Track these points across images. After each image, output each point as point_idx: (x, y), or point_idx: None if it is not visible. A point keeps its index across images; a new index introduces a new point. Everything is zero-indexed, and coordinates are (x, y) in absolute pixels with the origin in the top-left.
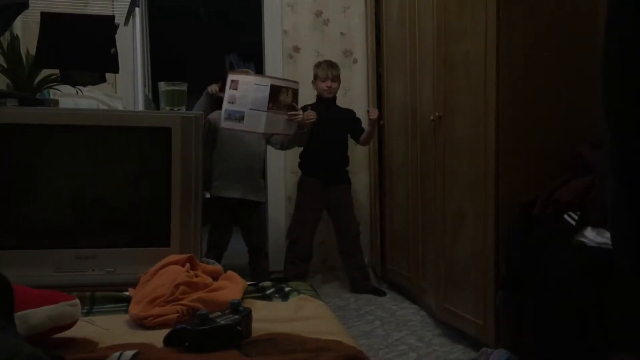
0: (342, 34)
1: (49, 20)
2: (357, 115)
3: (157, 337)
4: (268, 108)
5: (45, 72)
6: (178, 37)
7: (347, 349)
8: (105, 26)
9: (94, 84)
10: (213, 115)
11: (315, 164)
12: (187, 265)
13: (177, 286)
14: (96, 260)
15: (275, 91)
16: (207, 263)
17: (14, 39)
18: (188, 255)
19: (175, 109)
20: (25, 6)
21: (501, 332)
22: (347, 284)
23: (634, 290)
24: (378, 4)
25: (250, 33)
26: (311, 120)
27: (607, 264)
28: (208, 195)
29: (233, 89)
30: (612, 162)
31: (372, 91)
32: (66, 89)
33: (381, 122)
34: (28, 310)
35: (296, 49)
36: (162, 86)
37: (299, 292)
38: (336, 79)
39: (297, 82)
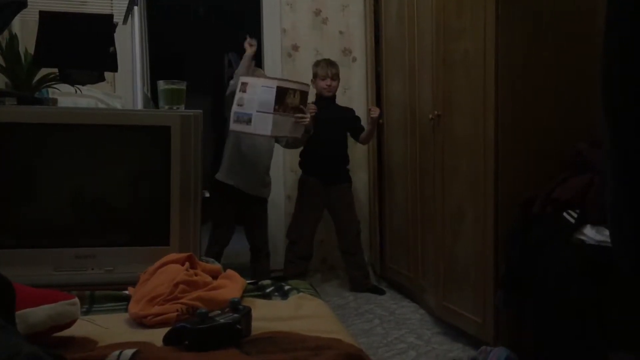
0: (341, 32)
1: (47, 19)
2: (357, 114)
3: (156, 336)
4: (274, 110)
5: (44, 71)
6: (177, 35)
7: (346, 347)
8: (104, 25)
9: (92, 82)
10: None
11: (315, 162)
12: (187, 264)
13: (176, 285)
14: (96, 259)
15: (281, 93)
16: (207, 262)
17: (13, 37)
18: (187, 254)
19: (175, 108)
20: (24, 5)
21: (500, 330)
22: (346, 282)
23: (634, 289)
24: (377, 2)
25: (249, 32)
26: (311, 113)
27: (606, 262)
28: (207, 195)
29: (242, 92)
30: (612, 162)
31: (371, 90)
32: (65, 87)
33: (380, 120)
34: (27, 310)
35: (295, 48)
36: (161, 85)
37: (299, 291)
38: (336, 77)
39: (307, 85)
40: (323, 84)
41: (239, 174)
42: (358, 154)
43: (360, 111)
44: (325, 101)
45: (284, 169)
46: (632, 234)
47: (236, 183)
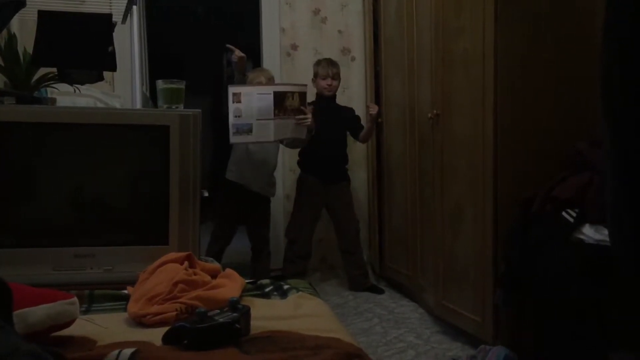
0: (340, 31)
1: (46, 18)
2: (357, 113)
3: (155, 335)
4: (274, 115)
5: (42, 71)
6: (176, 35)
7: (346, 347)
8: (102, 24)
9: (91, 82)
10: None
11: (314, 162)
12: (186, 263)
13: (175, 284)
14: (95, 259)
15: (279, 97)
16: (206, 261)
17: (12, 37)
18: (186, 253)
19: (174, 107)
20: (22, 4)
21: (500, 329)
22: (345, 281)
23: (633, 288)
24: (376, 1)
25: (248, 31)
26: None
27: (605, 262)
28: (206, 194)
29: (237, 102)
30: (612, 162)
31: (370, 89)
32: (64, 87)
33: (379, 119)
34: (26, 309)
35: (294, 47)
36: (160, 84)
37: (298, 290)
38: (336, 76)
39: (304, 85)
40: (324, 83)
41: (247, 173)
42: (357, 153)
43: (359, 111)
44: (326, 101)
45: (282, 169)
46: (632, 233)
47: (245, 182)
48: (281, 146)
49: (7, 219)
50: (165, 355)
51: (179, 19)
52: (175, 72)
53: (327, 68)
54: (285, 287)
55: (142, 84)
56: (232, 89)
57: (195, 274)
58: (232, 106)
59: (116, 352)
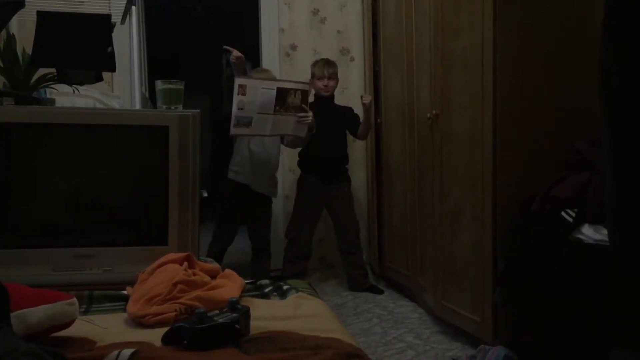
0: (339, 32)
1: (45, 19)
2: (355, 112)
3: (155, 336)
4: (275, 111)
5: (41, 71)
6: (175, 35)
7: (345, 347)
8: (101, 25)
9: (90, 82)
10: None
11: (314, 162)
12: (185, 263)
13: (175, 284)
14: (94, 259)
15: (282, 93)
16: (205, 261)
17: (11, 37)
18: (186, 253)
19: (173, 108)
20: (21, 5)
21: (499, 329)
22: (345, 281)
23: (633, 287)
24: (375, 1)
25: (247, 31)
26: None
27: (604, 261)
28: (206, 194)
29: (241, 94)
30: (611, 162)
31: (369, 89)
32: (63, 87)
33: (378, 120)
34: (26, 310)
35: (293, 47)
36: (159, 84)
37: (297, 290)
38: (333, 76)
39: (307, 84)
40: (320, 83)
41: (250, 174)
42: (356, 153)
43: (358, 111)
44: (324, 101)
45: (282, 169)
46: (631, 233)
47: (249, 182)
48: (281, 146)
49: (6, 220)
50: (165, 356)
51: (178, 19)
52: (174, 73)
53: (323, 68)
54: (285, 287)
55: (141, 85)
56: (238, 81)
57: (194, 274)
58: (236, 98)
59: (116, 352)
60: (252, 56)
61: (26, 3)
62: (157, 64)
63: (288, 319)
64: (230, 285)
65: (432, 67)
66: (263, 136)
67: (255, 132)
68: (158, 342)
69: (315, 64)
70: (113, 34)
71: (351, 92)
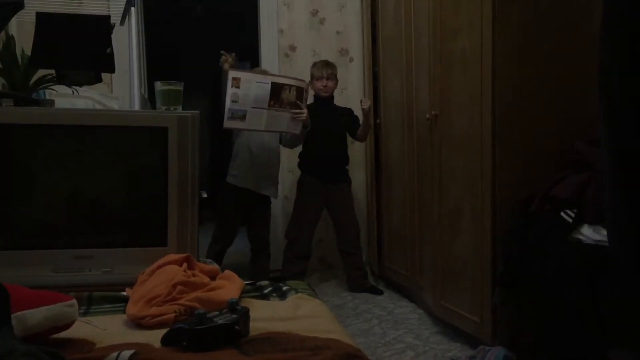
0: (338, 32)
1: (44, 20)
2: (355, 113)
3: (154, 337)
4: (269, 106)
5: (41, 72)
6: (174, 36)
7: (345, 347)
8: (101, 26)
9: (90, 83)
10: None
11: (314, 162)
12: (185, 264)
13: (174, 286)
14: (94, 261)
15: (276, 89)
16: (205, 262)
17: (10, 39)
18: (185, 254)
19: (172, 109)
20: (20, 6)
21: (498, 329)
22: (344, 282)
23: (632, 287)
24: (374, 2)
25: (247, 32)
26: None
27: (604, 262)
28: (205, 195)
29: (235, 87)
30: (610, 162)
31: (368, 90)
32: (62, 89)
33: (378, 120)
34: (26, 311)
35: (292, 48)
36: (159, 86)
37: (297, 291)
38: (332, 77)
39: (303, 81)
40: (319, 84)
41: (251, 177)
42: (355, 153)
43: (358, 111)
44: (323, 102)
45: (281, 169)
46: (630, 233)
47: (251, 186)
48: (281, 146)
49: (6, 221)
50: (164, 357)
51: (177, 20)
52: (174, 74)
53: (322, 69)
54: (284, 288)
55: (141, 86)
56: (232, 73)
57: (194, 275)
58: (230, 90)
59: (115, 354)
60: (251, 57)
61: (25, 4)
62: (156, 65)
63: (287, 320)
64: (229, 286)
65: (431, 68)
66: (258, 131)
67: (250, 126)
68: (157, 344)
69: (314, 65)
70: (112, 35)
71: (350, 93)
